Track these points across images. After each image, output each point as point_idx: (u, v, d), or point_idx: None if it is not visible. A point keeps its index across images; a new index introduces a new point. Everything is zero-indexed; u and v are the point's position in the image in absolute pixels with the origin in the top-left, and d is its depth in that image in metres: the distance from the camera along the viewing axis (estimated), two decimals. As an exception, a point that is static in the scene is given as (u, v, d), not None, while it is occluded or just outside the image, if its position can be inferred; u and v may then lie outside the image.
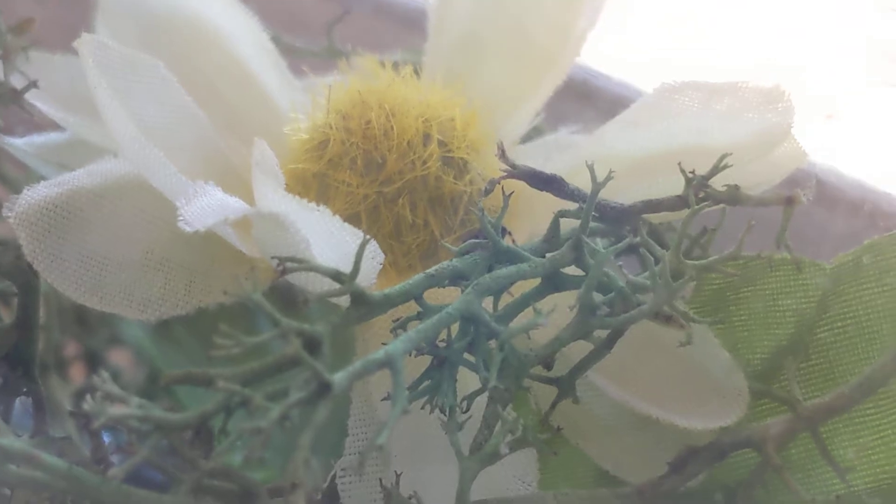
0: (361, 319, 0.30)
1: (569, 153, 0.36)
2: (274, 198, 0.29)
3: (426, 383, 0.30)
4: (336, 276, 0.29)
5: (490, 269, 0.31)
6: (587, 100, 0.42)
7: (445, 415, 0.30)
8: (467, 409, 0.30)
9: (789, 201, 0.32)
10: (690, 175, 0.32)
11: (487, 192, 0.32)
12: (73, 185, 0.32)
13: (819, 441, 0.31)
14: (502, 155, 0.31)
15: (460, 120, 0.35)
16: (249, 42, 0.38)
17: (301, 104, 0.37)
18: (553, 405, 0.32)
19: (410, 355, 0.29)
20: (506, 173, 0.31)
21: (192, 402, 0.40)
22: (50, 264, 0.31)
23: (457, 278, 0.31)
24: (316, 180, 0.35)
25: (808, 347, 0.33)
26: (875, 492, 0.32)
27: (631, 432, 0.33)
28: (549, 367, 0.31)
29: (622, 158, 0.34)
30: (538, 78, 0.38)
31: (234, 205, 0.29)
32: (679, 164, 0.32)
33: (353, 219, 0.34)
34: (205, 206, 0.29)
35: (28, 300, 0.32)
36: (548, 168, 0.33)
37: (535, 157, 0.37)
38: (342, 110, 0.35)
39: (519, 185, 0.33)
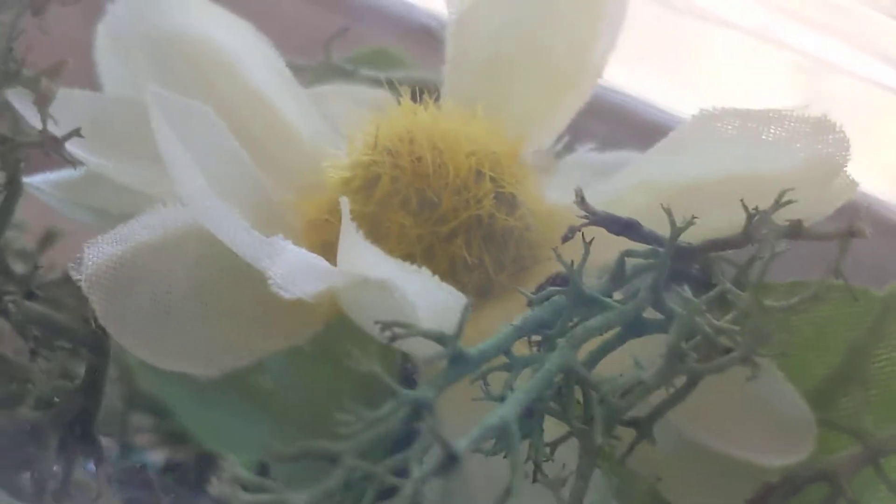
0: (459, 377, 0.29)
1: (611, 181, 0.36)
2: (376, 261, 0.28)
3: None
4: (441, 339, 0.28)
5: (569, 316, 0.31)
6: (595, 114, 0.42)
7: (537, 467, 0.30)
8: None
9: (852, 234, 0.32)
10: (753, 211, 0.32)
11: (567, 238, 0.31)
12: (135, 240, 0.31)
13: (881, 471, 0.32)
14: (582, 202, 0.31)
15: (505, 152, 0.35)
16: (263, 66, 0.37)
17: (323, 134, 0.36)
18: (631, 447, 0.31)
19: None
20: (587, 220, 0.31)
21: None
22: (121, 326, 0.30)
23: (541, 328, 0.31)
24: (366, 221, 0.34)
25: (866, 376, 0.34)
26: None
27: (702, 468, 0.33)
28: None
29: (667, 187, 0.34)
30: (560, 100, 0.38)
31: (329, 268, 0.28)
32: (742, 200, 0.32)
33: (406, 260, 0.33)
34: (295, 268, 0.28)
35: (99, 363, 0.31)
36: (588, 195, 0.33)
37: (569, 182, 0.37)
38: (388, 146, 0.34)
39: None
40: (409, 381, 0.35)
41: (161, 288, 0.31)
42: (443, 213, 0.33)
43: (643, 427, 0.31)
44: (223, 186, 0.31)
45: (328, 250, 0.34)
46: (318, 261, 0.29)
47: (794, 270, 0.33)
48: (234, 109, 0.36)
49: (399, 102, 0.38)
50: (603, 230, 0.32)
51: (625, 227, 0.31)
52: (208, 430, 0.41)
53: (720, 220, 0.33)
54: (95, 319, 0.30)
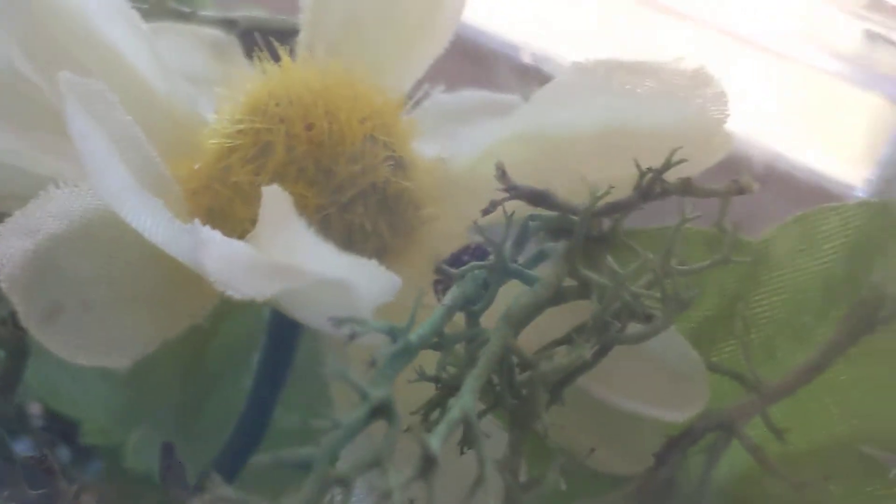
0: (404, 366, 0.29)
1: (484, 132, 0.35)
2: (331, 258, 0.27)
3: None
4: (392, 333, 0.28)
5: (495, 291, 0.31)
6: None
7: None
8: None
9: (741, 191, 0.33)
10: (646, 170, 0.32)
11: (488, 212, 0.31)
12: (46, 232, 0.29)
13: (767, 419, 0.33)
14: (503, 176, 0.31)
15: (390, 112, 0.34)
16: (116, 19, 0.35)
17: (182, 92, 0.35)
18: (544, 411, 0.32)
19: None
20: (509, 195, 0.31)
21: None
22: (44, 326, 0.28)
23: (467, 304, 0.30)
24: (259, 192, 0.32)
25: (746, 322, 0.35)
26: (810, 453, 0.35)
27: (611, 427, 0.34)
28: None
29: (542, 139, 0.34)
30: (416, 47, 0.37)
31: (279, 266, 0.27)
32: (635, 160, 0.32)
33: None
34: (235, 265, 0.27)
35: (16, 364, 0.29)
36: (461, 146, 0.34)
37: (435, 133, 0.36)
38: (279, 112, 0.33)
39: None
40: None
41: (78, 282, 0.29)
42: (340, 182, 0.33)
43: (554, 392, 0.32)
44: (130, 169, 0.30)
45: (215, 217, 0.33)
46: (255, 253, 0.28)
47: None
48: (90, 70, 0.34)
49: (241, 47, 0.37)
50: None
51: (542, 199, 0.31)
52: (55, 392, 0.39)
53: (598, 174, 0.33)
54: (14, 320, 0.28)
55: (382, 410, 0.27)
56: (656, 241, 0.34)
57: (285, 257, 0.27)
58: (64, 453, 0.40)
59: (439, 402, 0.30)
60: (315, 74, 0.34)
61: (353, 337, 0.27)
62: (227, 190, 0.33)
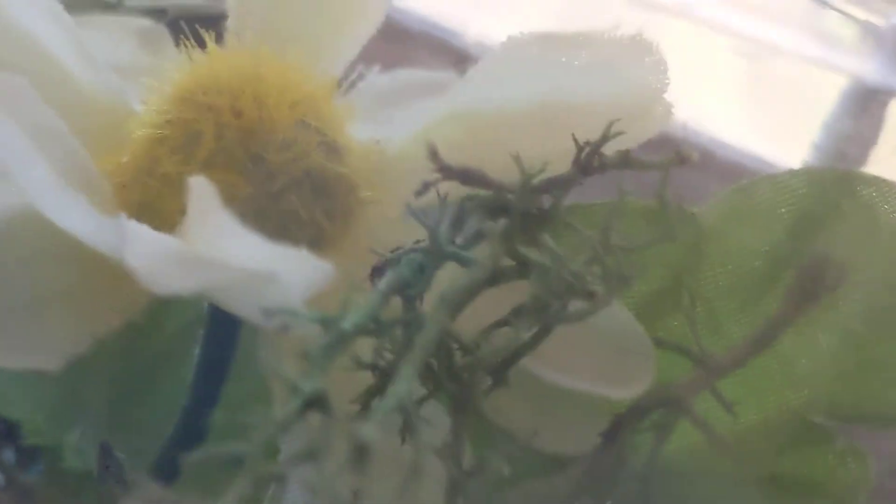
0: (337, 355, 0.28)
1: (418, 112, 0.35)
2: (258, 250, 0.27)
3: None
4: (325, 323, 0.27)
5: (431, 274, 0.30)
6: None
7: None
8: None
9: (681, 161, 0.32)
10: (584, 144, 0.32)
11: (420, 194, 0.31)
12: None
13: (717, 393, 0.33)
14: (434, 156, 0.30)
15: (322, 95, 0.33)
16: (35, 10, 0.34)
17: (114, 86, 0.34)
18: (486, 394, 0.31)
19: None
20: (441, 175, 0.30)
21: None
22: None
23: (403, 287, 0.30)
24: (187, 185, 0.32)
25: (693, 296, 0.34)
26: (759, 424, 0.35)
27: (555, 407, 0.33)
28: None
29: (477, 118, 0.34)
30: (346, 28, 0.37)
31: (203, 259, 0.27)
32: (573, 135, 0.32)
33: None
34: (161, 259, 0.27)
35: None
36: (395, 128, 0.33)
37: (368, 115, 0.36)
38: (206, 100, 0.32)
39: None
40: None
41: (1, 283, 0.29)
42: (272, 170, 0.32)
43: (498, 374, 0.31)
44: (52, 165, 0.29)
45: (145, 211, 0.32)
46: (180, 246, 0.27)
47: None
48: (10, 63, 0.33)
49: (171, 36, 0.36)
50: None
51: (474, 178, 0.31)
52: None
53: (536, 150, 0.33)
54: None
55: (316, 402, 0.26)
56: (596, 216, 0.33)
57: (211, 250, 0.27)
58: (9, 455, 0.40)
59: (378, 390, 0.29)
60: (243, 61, 0.33)
61: (284, 328, 0.26)
62: (156, 182, 0.32)
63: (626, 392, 0.32)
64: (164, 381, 0.38)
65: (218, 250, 0.27)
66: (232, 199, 0.31)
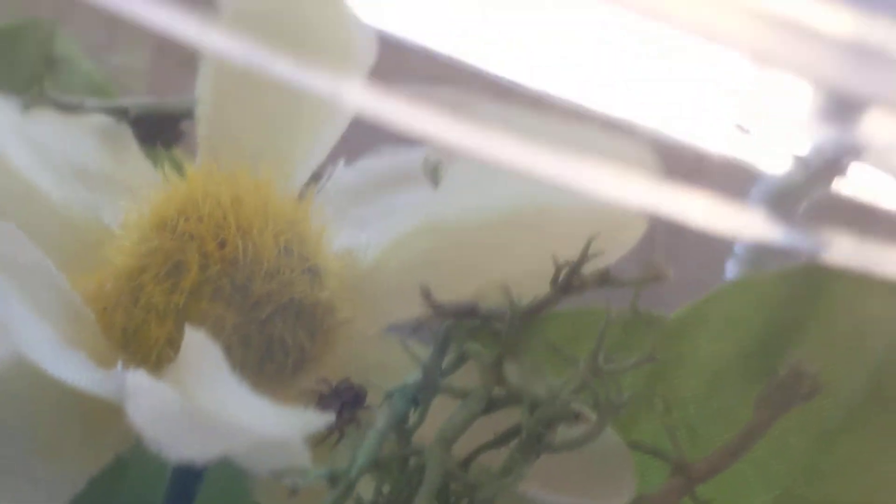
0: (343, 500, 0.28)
1: (390, 222, 0.35)
2: (271, 416, 0.27)
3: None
4: (334, 478, 0.28)
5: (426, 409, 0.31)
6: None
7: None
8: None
9: (657, 277, 0.33)
10: (563, 265, 0.32)
11: (415, 331, 0.31)
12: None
13: (697, 500, 0.33)
14: (428, 296, 0.30)
15: (302, 220, 0.33)
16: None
17: (83, 201, 0.34)
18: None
19: None
20: (435, 314, 0.31)
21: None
22: None
23: (398, 422, 0.30)
24: (172, 313, 0.32)
25: (669, 402, 0.35)
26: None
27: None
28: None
29: (450, 228, 0.34)
30: (316, 132, 0.37)
31: (222, 426, 0.27)
32: (553, 255, 0.32)
33: (227, 353, 0.31)
34: (174, 425, 0.27)
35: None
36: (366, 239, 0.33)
37: (343, 214, 0.36)
38: (188, 229, 0.32)
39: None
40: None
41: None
42: (258, 300, 0.32)
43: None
44: (43, 313, 0.29)
45: (129, 337, 0.32)
46: (191, 408, 0.27)
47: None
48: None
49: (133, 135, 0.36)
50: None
51: (469, 313, 0.31)
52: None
53: (510, 258, 0.33)
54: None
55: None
56: (573, 324, 0.34)
57: (222, 415, 0.27)
58: None
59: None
60: (222, 184, 0.33)
61: (294, 489, 0.27)
62: (141, 310, 0.32)
63: (609, 505, 0.33)
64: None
65: (228, 415, 0.27)
66: (219, 330, 0.31)
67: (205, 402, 0.27)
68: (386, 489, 0.30)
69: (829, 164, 0.43)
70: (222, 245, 0.32)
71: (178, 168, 0.34)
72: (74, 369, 0.28)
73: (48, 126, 0.37)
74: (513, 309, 0.31)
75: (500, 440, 0.31)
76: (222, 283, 0.32)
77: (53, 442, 0.30)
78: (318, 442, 0.30)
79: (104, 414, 0.29)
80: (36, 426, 0.29)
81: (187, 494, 0.35)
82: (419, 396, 0.31)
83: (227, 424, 0.26)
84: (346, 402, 0.32)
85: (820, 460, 0.35)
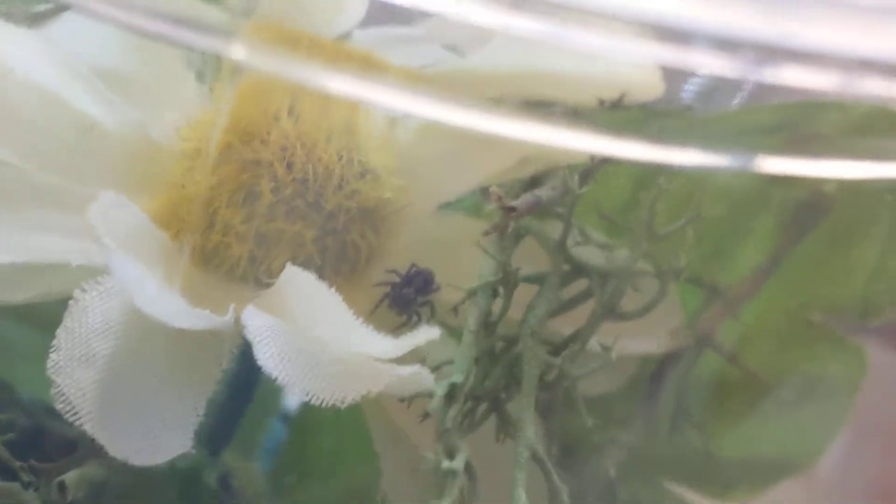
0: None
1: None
2: (397, 349, 0.29)
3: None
4: (451, 391, 0.30)
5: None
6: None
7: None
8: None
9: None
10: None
11: (488, 233, 0.33)
12: (101, 356, 0.31)
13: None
14: (500, 201, 0.32)
15: (353, 118, 0.35)
16: (44, 60, 0.34)
17: (132, 123, 0.35)
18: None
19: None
20: (509, 217, 0.33)
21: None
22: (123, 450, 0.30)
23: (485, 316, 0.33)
24: (249, 236, 0.33)
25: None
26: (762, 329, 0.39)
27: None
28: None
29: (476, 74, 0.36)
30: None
31: (367, 368, 0.29)
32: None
33: (307, 263, 0.33)
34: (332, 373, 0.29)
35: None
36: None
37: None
38: (254, 156, 0.33)
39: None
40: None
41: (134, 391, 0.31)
42: (330, 212, 0.34)
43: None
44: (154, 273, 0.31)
45: (209, 256, 0.34)
46: (328, 356, 0.30)
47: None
48: (33, 122, 0.34)
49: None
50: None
51: (537, 206, 0.33)
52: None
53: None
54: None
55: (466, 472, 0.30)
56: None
57: (358, 360, 0.29)
58: None
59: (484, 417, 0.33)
60: (273, 94, 0.34)
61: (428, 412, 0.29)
62: (217, 234, 0.33)
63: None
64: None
65: (363, 358, 0.29)
66: (300, 247, 0.33)
67: (336, 346, 0.29)
68: (488, 384, 0.32)
69: None
70: (290, 167, 0.33)
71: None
72: (193, 317, 0.30)
73: (70, 30, 0.38)
74: (568, 187, 0.33)
75: (566, 306, 0.34)
76: (296, 203, 0.33)
77: (178, 370, 0.31)
78: (397, 328, 0.33)
79: (209, 340, 0.31)
80: (165, 356, 0.31)
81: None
82: (501, 291, 0.33)
83: (365, 366, 0.29)
84: (419, 287, 0.34)
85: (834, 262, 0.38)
